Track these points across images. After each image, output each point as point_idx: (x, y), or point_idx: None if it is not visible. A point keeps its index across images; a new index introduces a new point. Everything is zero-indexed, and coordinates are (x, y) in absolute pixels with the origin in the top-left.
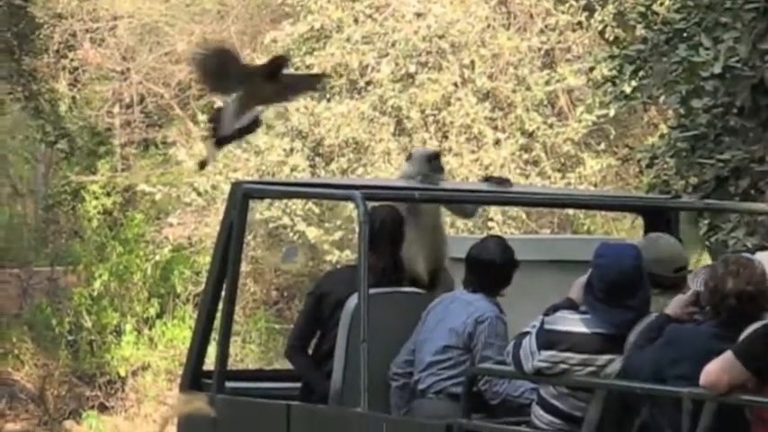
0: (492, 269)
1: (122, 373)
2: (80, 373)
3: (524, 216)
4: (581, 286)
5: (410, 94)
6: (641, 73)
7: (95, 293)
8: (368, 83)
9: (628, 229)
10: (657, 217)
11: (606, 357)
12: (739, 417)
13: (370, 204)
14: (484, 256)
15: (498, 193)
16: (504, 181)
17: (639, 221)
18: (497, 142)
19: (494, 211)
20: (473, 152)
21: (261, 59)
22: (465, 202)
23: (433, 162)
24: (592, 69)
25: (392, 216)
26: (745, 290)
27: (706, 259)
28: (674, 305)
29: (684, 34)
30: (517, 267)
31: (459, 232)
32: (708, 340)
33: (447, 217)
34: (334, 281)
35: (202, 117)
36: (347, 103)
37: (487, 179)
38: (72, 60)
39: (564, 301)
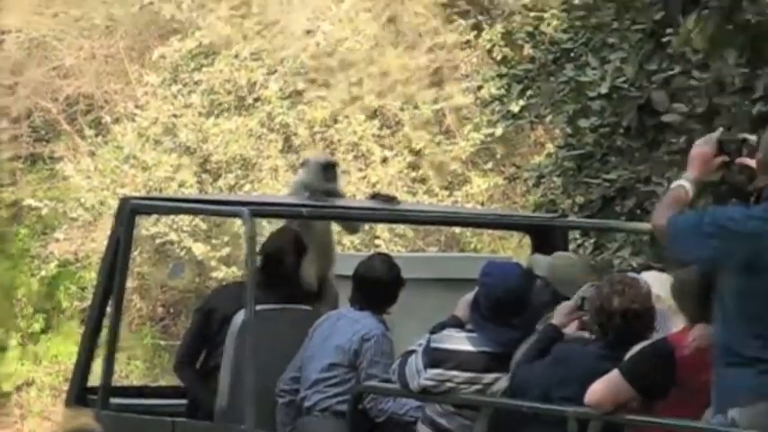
0: (378, 287)
1: (6, 389)
2: None
3: (411, 234)
4: (467, 304)
5: (298, 112)
6: (529, 92)
7: None
8: (256, 99)
9: (515, 247)
10: (544, 236)
11: (492, 376)
12: None
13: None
14: (370, 273)
15: (386, 210)
16: (390, 198)
17: (526, 240)
18: (385, 160)
19: (381, 229)
20: (361, 170)
21: (149, 75)
22: (353, 220)
23: (327, 171)
24: (480, 88)
25: (291, 237)
26: (630, 308)
27: None
28: (559, 313)
29: (572, 54)
30: (403, 285)
31: (346, 249)
32: (594, 361)
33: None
34: (221, 297)
35: (89, 132)
36: (235, 119)
37: (374, 196)
38: None
39: (450, 319)
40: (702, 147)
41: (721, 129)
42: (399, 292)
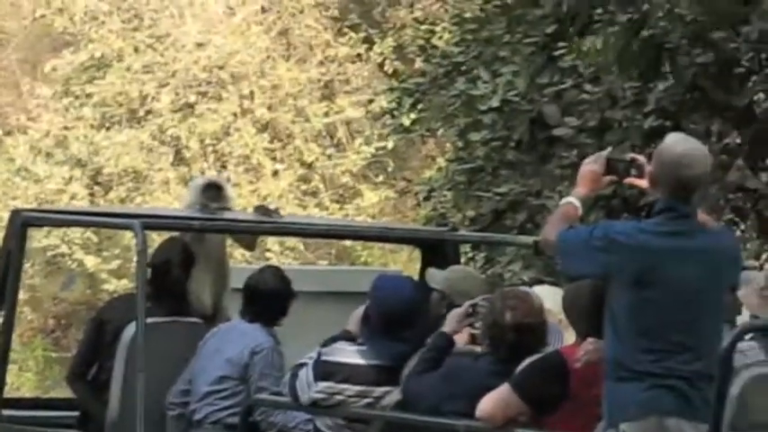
0: (269, 299)
1: None
2: None
3: (302, 247)
4: (359, 318)
5: (189, 124)
6: (420, 106)
7: None
8: (147, 112)
9: (405, 261)
10: (435, 249)
11: (383, 389)
12: None
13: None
14: (261, 286)
15: (276, 223)
16: (268, 211)
17: (417, 254)
18: (276, 173)
19: (271, 242)
20: (251, 182)
21: (41, 88)
22: (241, 233)
23: (207, 192)
24: (371, 101)
25: (178, 248)
26: (523, 323)
27: None
28: (450, 320)
29: (463, 68)
30: (294, 298)
31: (237, 263)
32: (485, 377)
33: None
34: (114, 308)
35: None
36: (127, 132)
37: (256, 209)
38: None
39: (341, 333)
40: (591, 165)
41: (610, 148)
42: (290, 304)
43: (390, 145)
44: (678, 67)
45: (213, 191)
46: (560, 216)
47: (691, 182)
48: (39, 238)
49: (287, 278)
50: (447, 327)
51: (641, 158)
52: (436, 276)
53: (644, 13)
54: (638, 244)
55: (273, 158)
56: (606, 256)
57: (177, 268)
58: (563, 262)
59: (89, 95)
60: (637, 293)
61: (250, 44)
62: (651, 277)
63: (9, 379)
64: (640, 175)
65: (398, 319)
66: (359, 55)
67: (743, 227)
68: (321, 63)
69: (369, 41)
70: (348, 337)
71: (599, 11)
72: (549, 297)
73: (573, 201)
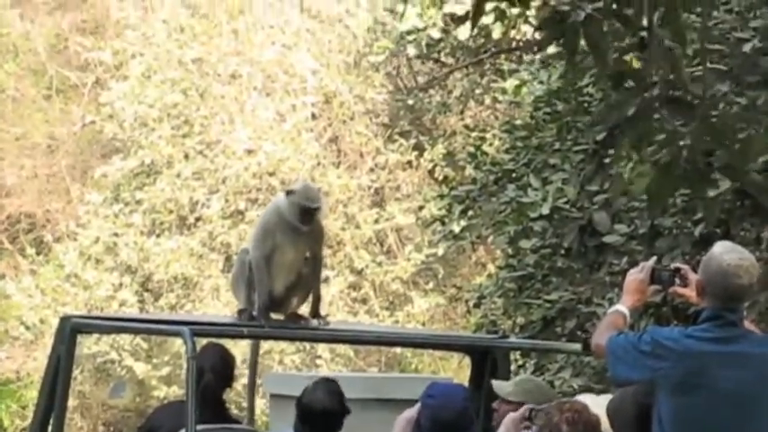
0: (323, 418)
1: None
2: None
3: (352, 354)
4: (405, 422)
5: (239, 231)
6: (470, 213)
7: None
8: (197, 219)
9: (455, 368)
10: (485, 356)
11: None
12: None
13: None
14: (315, 405)
15: (327, 330)
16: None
17: (467, 361)
18: (326, 279)
19: (322, 348)
20: None
21: (91, 194)
22: (293, 339)
23: (303, 216)
24: (421, 208)
25: (217, 357)
26: None
27: None
28: (506, 425)
29: (513, 175)
30: (348, 414)
31: (288, 368)
32: None
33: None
34: (163, 415)
35: (31, 251)
36: (176, 238)
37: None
38: None
39: None
40: (637, 275)
41: (655, 258)
42: (343, 421)
43: (440, 252)
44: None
45: (308, 216)
46: (609, 323)
47: (738, 291)
48: (88, 345)
49: (340, 393)
50: (502, 430)
51: (686, 268)
52: (503, 387)
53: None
54: (684, 349)
55: (324, 265)
56: (654, 361)
57: (210, 375)
58: (612, 367)
59: (139, 202)
60: (682, 399)
61: (300, 150)
62: (696, 381)
63: None
64: (685, 285)
65: (451, 428)
66: (409, 162)
67: None
68: (371, 170)
69: (419, 148)
70: None
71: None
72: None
73: (621, 309)
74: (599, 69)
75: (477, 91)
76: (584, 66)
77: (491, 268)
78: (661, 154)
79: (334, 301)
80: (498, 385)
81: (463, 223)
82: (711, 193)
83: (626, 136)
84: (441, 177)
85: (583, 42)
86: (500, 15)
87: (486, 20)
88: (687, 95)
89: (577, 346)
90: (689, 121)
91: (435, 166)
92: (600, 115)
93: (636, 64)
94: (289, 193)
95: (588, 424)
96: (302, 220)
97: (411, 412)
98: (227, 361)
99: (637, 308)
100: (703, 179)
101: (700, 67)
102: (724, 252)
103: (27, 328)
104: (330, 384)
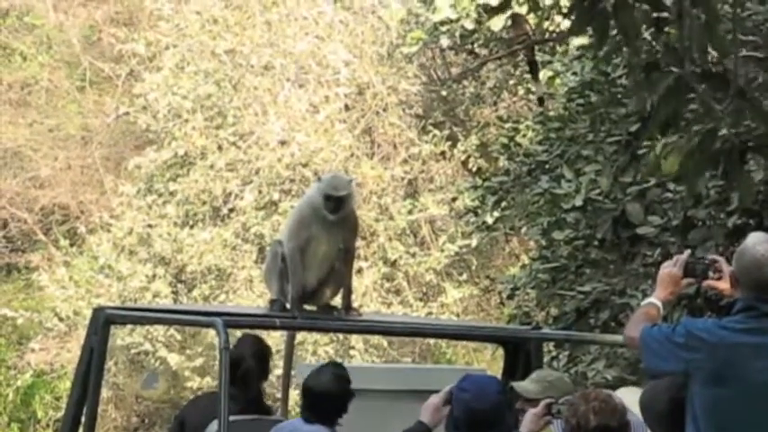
0: (327, 401)
1: None
2: None
3: (386, 345)
4: (433, 408)
5: (273, 222)
6: (503, 204)
7: None
8: (231, 210)
9: (489, 359)
10: (518, 348)
11: None
12: None
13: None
14: (318, 388)
15: (360, 321)
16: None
17: (500, 352)
18: (359, 271)
19: (355, 339)
20: None
21: (125, 185)
22: (326, 330)
23: (327, 204)
24: (454, 199)
25: (257, 347)
26: (608, 425)
27: None
28: (527, 422)
29: (547, 166)
30: (353, 397)
31: (321, 360)
32: None
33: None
34: (196, 407)
35: (64, 242)
36: (210, 229)
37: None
38: None
39: (416, 425)
40: (670, 268)
41: (689, 251)
42: (348, 403)
43: (474, 243)
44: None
45: (333, 203)
46: (642, 316)
47: None
48: (122, 336)
49: (345, 377)
50: (524, 428)
51: (720, 260)
52: (527, 387)
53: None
54: (717, 340)
55: (357, 256)
56: (687, 353)
57: (251, 362)
58: (645, 358)
59: (172, 193)
60: (716, 390)
61: (334, 142)
62: (730, 373)
63: None
64: (719, 277)
65: (484, 420)
66: (443, 153)
67: None
68: (405, 161)
69: (452, 139)
70: (423, 428)
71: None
72: (631, 397)
73: (654, 302)
74: (630, 57)
75: (511, 82)
76: (615, 56)
77: (524, 259)
78: (696, 128)
79: (368, 292)
80: (520, 386)
81: (496, 214)
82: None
83: (659, 113)
84: (474, 168)
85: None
86: (534, 6)
87: (520, 10)
88: (721, 69)
89: (613, 337)
90: (724, 97)
91: (469, 157)
92: (634, 89)
93: (667, 42)
94: (318, 181)
95: (615, 411)
96: (328, 208)
97: (436, 399)
98: (264, 351)
99: (670, 300)
100: (741, 158)
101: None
102: (757, 243)
103: (61, 319)
104: (336, 369)
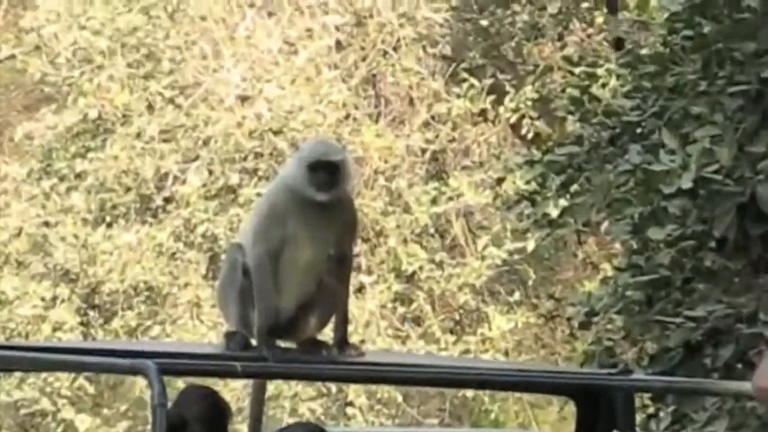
0: None
1: None
2: None
3: (400, 399)
4: None
5: (230, 217)
6: (574, 187)
7: None
8: (167, 200)
9: (554, 420)
10: (597, 401)
11: None
12: None
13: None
14: None
15: (360, 365)
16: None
17: (571, 408)
18: (360, 289)
19: (354, 392)
20: None
21: (10, 164)
22: (310, 378)
23: (315, 175)
24: (500, 181)
25: (208, 404)
26: None
27: None
28: None
29: (638, 131)
30: None
31: (312, 417)
32: None
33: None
34: None
35: None
36: (137, 229)
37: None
38: None
39: None
40: None
41: None
42: None
43: (530, 246)
44: None
45: (323, 174)
46: None
47: None
48: (7, 389)
49: None
50: None
51: None
52: None
53: None
54: None
55: (357, 267)
56: None
57: (197, 429)
58: None
59: (80, 176)
60: None
61: (320, 97)
62: None
63: None
64: None
65: None
66: (482, 112)
67: None
68: (426, 125)
69: (497, 92)
70: None
71: None
72: None
73: None
74: None
75: (584, 4)
76: None
77: (606, 270)
78: None
79: (373, 321)
80: None
81: (564, 203)
82: None
83: None
84: (530, 135)
85: None
86: None
87: None
88: None
89: (739, 385)
90: None
91: (522, 118)
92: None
93: None
94: (297, 151)
95: None
96: (316, 183)
97: None
98: (217, 410)
99: None
100: None
101: None
102: None
103: None
104: (310, 428)
